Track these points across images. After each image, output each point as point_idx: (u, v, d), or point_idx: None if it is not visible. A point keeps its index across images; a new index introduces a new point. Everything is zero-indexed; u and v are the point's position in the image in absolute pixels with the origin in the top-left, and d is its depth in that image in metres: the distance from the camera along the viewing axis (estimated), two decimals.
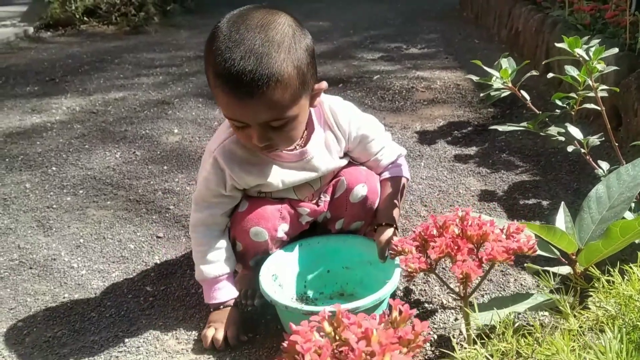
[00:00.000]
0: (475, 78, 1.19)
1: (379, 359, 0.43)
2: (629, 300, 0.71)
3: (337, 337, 0.47)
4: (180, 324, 1.30)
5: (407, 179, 1.41)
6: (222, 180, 1.26)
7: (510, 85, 1.16)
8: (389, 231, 1.27)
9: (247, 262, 1.34)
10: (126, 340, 1.26)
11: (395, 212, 1.33)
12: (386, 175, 1.38)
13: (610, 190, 0.92)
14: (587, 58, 1.07)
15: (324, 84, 1.20)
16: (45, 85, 3.22)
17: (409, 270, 0.75)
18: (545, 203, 1.69)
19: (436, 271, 0.78)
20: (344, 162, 1.36)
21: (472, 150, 2.10)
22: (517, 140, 2.15)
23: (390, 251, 1.12)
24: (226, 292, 1.28)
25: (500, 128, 1.27)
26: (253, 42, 1.05)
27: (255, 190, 1.31)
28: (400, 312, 0.49)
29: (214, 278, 1.28)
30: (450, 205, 1.73)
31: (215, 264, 1.28)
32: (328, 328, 0.48)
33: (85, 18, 4.71)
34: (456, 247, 0.73)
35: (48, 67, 3.59)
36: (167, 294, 1.42)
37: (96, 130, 2.50)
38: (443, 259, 0.75)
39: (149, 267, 1.53)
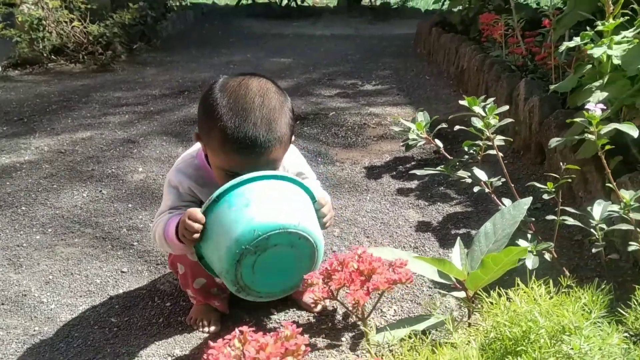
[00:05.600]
0: (397, 129, 1.37)
1: None
2: (496, 317, 0.89)
3: (243, 351, 0.64)
4: (142, 351, 1.45)
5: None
6: (178, 196, 1.42)
7: (425, 135, 1.35)
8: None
9: (192, 285, 1.50)
10: None
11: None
12: None
13: (495, 227, 1.12)
14: (483, 114, 1.27)
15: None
16: (13, 125, 3.34)
17: (315, 298, 0.93)
18: (473, 232, 1.89)
19: (338, 298, 0.96)
20: None
21: (413, 184, 2.30)
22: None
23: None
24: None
25: (419, 173, 1.47)
26: (261, 110, 1.27)
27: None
28: (290, 331, 0.66)
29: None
30: (390, 236, 1.92)
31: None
32: (237, 343, 0.65)
33: (53, 57, 4.83)
34: (351, 280, 0.90)
35: (16, 107, 3.71)
36: (130, 324, 1.56)
37: (64, 169, 2.63)
38: (343, 289, 0.93)
39: (113, 300, 1.67)
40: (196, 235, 1.24)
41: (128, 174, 2.57)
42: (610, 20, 1.94)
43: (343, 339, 1.44)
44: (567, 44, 1.82)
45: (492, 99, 1.32)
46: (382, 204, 2.16)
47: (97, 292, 1.72)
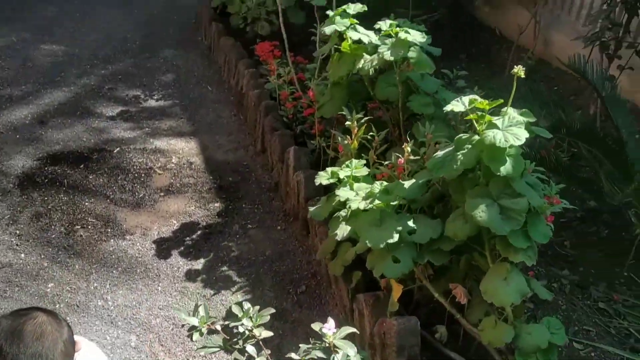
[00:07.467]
0: (183, 317, 1.65)
1: None
2: None
3: None
4: None
5: None
6: None
7: (207, 326, 1.67)
8: None
9: None
10: None
11: None
12: None
13: None
14: (250, 325, 1.63)
15: (78, 346, 1.60)
16: None
17: None
18: None
19: None
20: None
21: (200, 263, 2.60)
22: (237, 246, 2.70)
23: None
24: None
25: (203, 352, 1.78)
26: (34, 355, 1.42)
27: None
28: None
29: None
30: (182, 344, 2.24)
31: None
32: None
33: None
34: None
35: None
36: None
37: None
38: None
39: None
40: None
41: None
42: (355, 143, 2.37)
43: None
44: (320, 180, 2.21)
45: (257, 307, 1.66)
46: (173, 295, 2.44)
47: None
